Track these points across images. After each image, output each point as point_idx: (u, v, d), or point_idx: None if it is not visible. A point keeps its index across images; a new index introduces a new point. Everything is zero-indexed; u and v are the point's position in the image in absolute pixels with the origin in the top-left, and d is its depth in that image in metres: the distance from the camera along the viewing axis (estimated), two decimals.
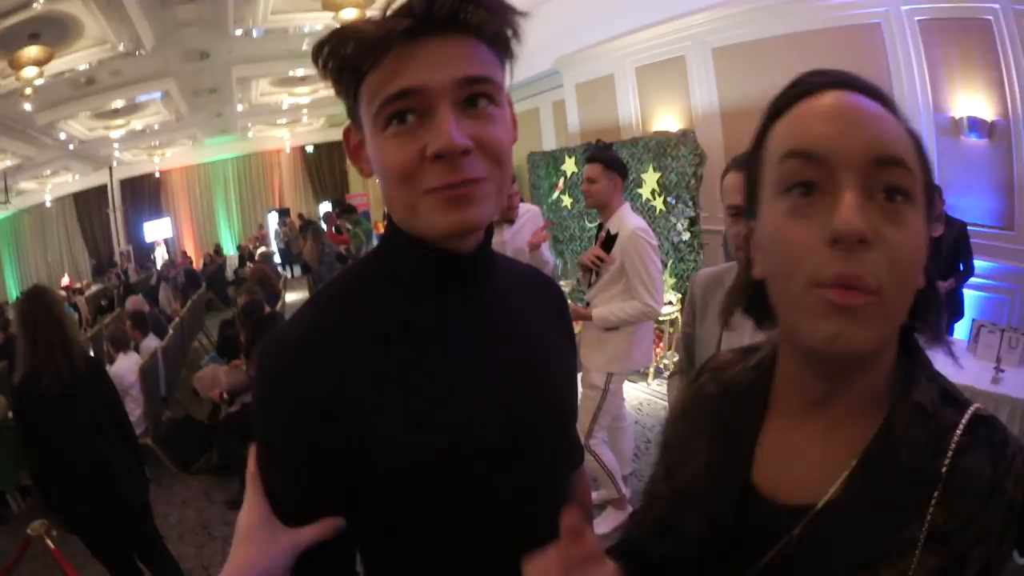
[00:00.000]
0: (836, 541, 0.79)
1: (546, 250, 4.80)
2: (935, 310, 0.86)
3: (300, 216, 22.34)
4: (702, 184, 7.36)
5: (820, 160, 0.76)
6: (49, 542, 3.54)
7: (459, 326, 1.10)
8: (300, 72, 14.88)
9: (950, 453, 0.76)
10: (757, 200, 0.87)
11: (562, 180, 9.45)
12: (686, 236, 7.25)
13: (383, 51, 0.91)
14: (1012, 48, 6.02)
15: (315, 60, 0.98)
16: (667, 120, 9.15)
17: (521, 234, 4.89)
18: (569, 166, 9.24)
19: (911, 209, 0.76)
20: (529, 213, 5.12)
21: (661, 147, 7.54)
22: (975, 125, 6.36)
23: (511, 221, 4.89)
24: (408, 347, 1.05)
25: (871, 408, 0.83)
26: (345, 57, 0.95)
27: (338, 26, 0.96)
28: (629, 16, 9.08)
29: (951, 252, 5.85)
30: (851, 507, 0.80)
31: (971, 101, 6.40)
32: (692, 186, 7.21)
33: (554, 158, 9.73)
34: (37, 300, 3.36)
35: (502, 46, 1.00)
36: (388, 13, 0.92)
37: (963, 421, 0.78)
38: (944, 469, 0.75)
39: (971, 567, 0.73)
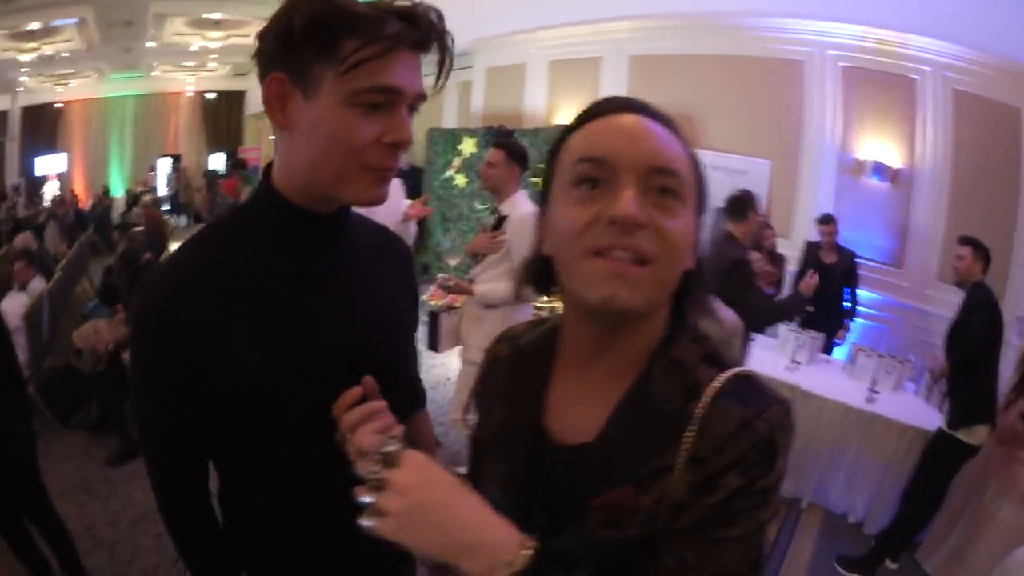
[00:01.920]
0: (604, 469, 0.98)
1: (413, 225, 4.88)
2: (701, 287, 1.06)
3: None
4: None
5: (606, 164, 0.95)
6: None
7: (314, 276, 1.31)
8: (217, 16, 14.51)
9: (707, 398, 0.94)
10: (550, 193, 1.06)
11: (459, 159, 9.50)
12: None
13: (386, 49, 1.13)
14: (933, 107, 6.49)
15: (300, 8, 1.13)
16: (571, 116, 9.22)
17: (389, 205, 4.91)
18: (468, 146, 9.35)
19: (680, 205, 0.96)
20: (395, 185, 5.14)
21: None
22: (880, 169, 6.88)
23: None
24: (265, 289, 1.26)
25: (640, 363, 1.03)
26: (336, 25, 1.12)
27: None
28: (551, 10, 9.14)
29: (841, 277, 6.35)
30: (613, 441, 0.99)
31: (880, 146, 6.88)
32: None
33: (453, 136, 9.79)
34: None
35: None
36: (391, 11, 1.14)
37: (724, 376, 0.96)
38: (699, 411, 0.94)
39: (727, 486, 0.90)
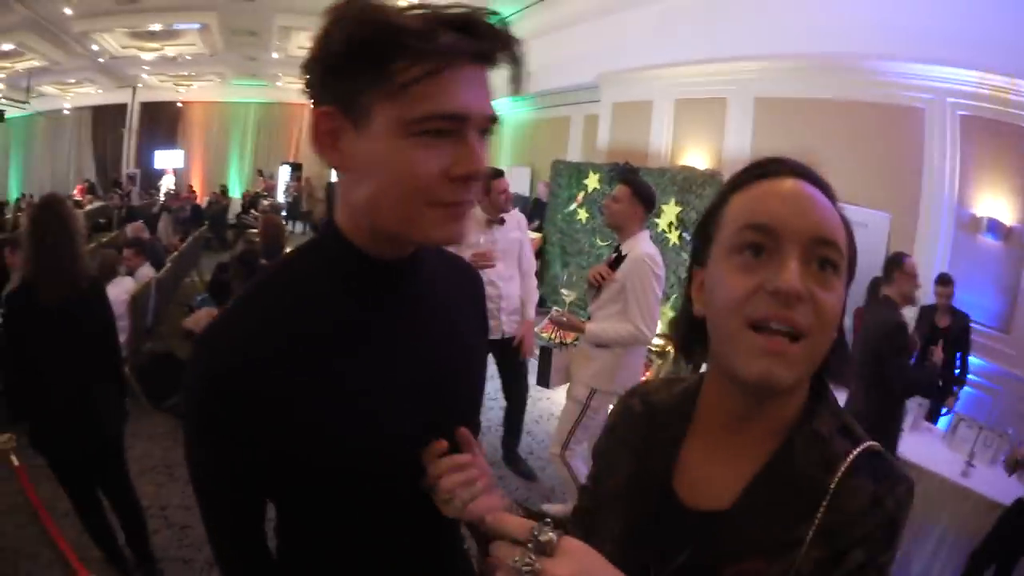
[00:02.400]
0: (737, 539, 0.95)
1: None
2: (842, 356, 1.02)
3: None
4: None
5: (772, 232, 0.92)
6: (14, 458, 3.45)
7: (384, 325, 1.16)
8: None
9: (840, 472, 0.91)
10: (708, 253, 1.02)
11: (582, 194, 9.44)
12: None
13: (442, 67, 0.95)
14: None
15: (336, 32, 0.98)
16: (696, 157, 9.15)
17: (509, 235, 4.97)
18: (592, 181, 9.25)
19: (836, 278, 0.93)
20: (516, 217, 5.16)
21: (687, 182, 7.55)
22: (994, 226, 6.48)
23: (501, 222, 4.91)
24: (334, 346, 1.11)
25: (779, 433, 0.99)
26: (380, 46, 0.96)
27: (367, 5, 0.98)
28: (680, 47, 9.07)
29: (953, 343, 5.99)
30: (750, 511, 0.96)
31: (994, 202, 6.51)
32: None
33: (578, 170, 9.74)
34: (51, 209, 3.26)
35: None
36: (440, 21, 0.96)
37: (857, 450, 0.93)
38: (833, 485, 0.91)
39: (851, 562, 0.87)
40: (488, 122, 1.03)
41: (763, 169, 1.00)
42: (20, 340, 3.21)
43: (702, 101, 9.11)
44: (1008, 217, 6.43)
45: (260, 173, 23.99)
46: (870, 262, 6.84)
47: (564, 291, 4.54)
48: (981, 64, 6.29)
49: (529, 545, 0.81)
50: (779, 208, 0.93)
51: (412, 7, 0.98)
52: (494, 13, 1.02)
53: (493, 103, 1.04)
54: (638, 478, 1.11)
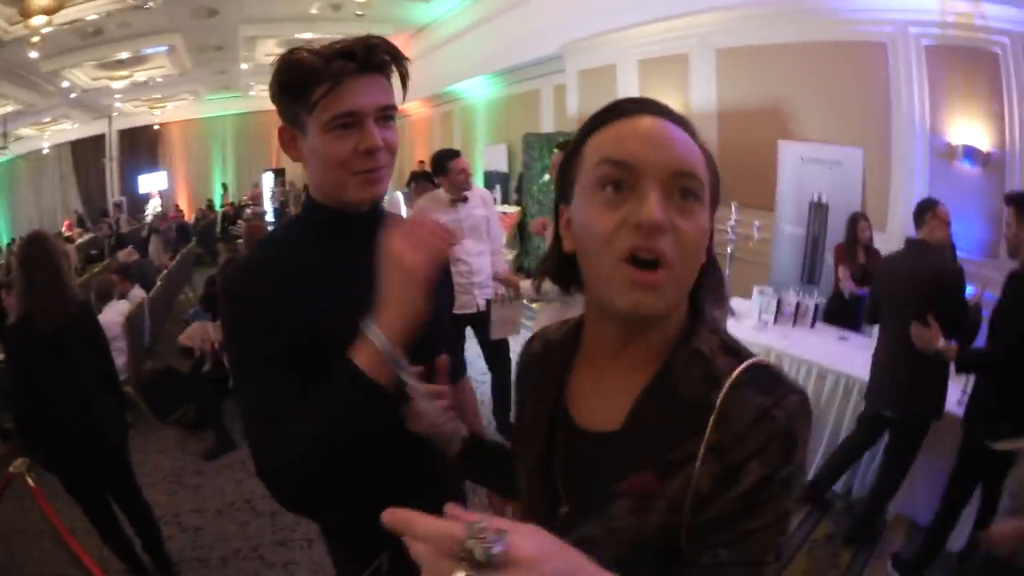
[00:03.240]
0: (629, 456, 1.00)
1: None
2: (715, 278, 1.11)
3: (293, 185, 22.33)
4: None
5: (630, 167, 0.98)
6: (29, 480, 3.61)
7: (352, 264, 1.57)
8: (308, 35, 14.88)
9: (725, 388, 0.95)
10: (571, 191, 1.09)
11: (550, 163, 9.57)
12: None
13: (336, 84, 1.45)
14: (1017, 81, 6.08)
15: (276, 75, 1.51)
16: None
17: (474, 212, 5.14)
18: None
19: (699, 207, 1.00)
20: (479, 194, 5.32)
21: None
22: (970, 153, 6.44)
23: (464, 199, 5.08)
24: (313, 274, 1.56)
25: (662, 355, 1.05)
26: (299, 81, 1.47)
27: (293, 53, 1.51)
28: (637, 8, 9.09)
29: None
30: (638, 429, 1.02)
31: (969, 129, 6.48)
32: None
33: (548, 140, 9.82)
34: (36, 245, 3.46)
35: (394, 80, 1.58)
36: (334, 53, 1.46)
37: (742, 366, 0.97)
38: (719, 401, 0.94)
39: (748, 476, 0.91)
40: (382, 110, 1.52)
41: (619, 109, 1.06)
42: (23, 368, 3.42)
43: (665, 59, 9.12)
44: (984, 143, 6.38)
45: (224, 187, 24.39)
46: (848, 197, 6.90)
47: (506, 252, 4.66)
48: None
49: (471, 557, 0.65)
50: (637, 145, 0.99)
51: (323, 47, 1.47)
52: (376, 37, 1.51)
53: (388, 97, 1.54)
54: (538, 411, 1.19)
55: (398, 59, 1.55)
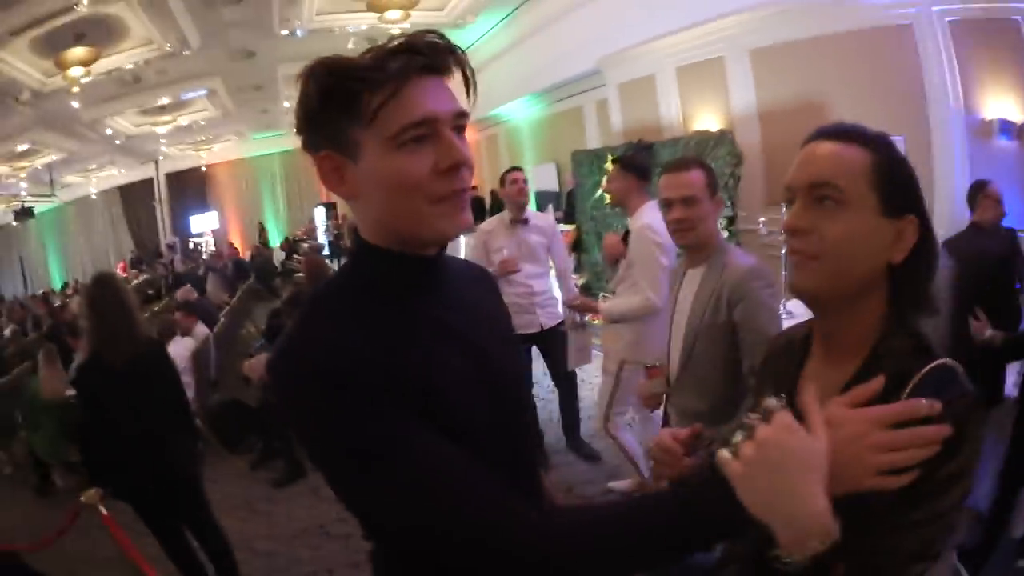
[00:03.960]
0: None
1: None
2: (921, 288, 1.23)
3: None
4: (740, 184, 7.54)
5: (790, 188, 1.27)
6: (102, 508, 3.71)
7: (431, 317, 1.26)
8: None
9: (910, 387, 1.10)
10: None
11: (605, 178, 9.58)
12: (724, 235, 7.27)
13: (400, 85, 1.13)
14: None
15: (308, 88, 1.16)
16: (707, 120, 9.17)
17: (531, 238, 5.12)
18: (612, 166, 9.33)
19: (838, 209, 1.19)
20: (541, 219, 5.36)
21: (700, 147, 7.64)
22: (1005, 127, 6.42)
23: (525, 221, 5.09)
24: (400, 341, 1.18)
25: (863, 352, 1.23)
26: (347, 88, 1.14)
27: (324, 60, 1.17)
28: (667, 17, 9.12)
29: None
30: None
31: (1001, 102, 6.47)
32: (730, 186, 7.33)
33: (597, 157, 9.82)
34: (103, 284, 3.57)
35: (467, 82, 1.25)
36: (388, 52, 1.15)
37: (927, 368, 1.11)
38: (904, 395, 1.09)
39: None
40: (458, 118, 1.19)
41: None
42: (94, 402, 3.54)
43: (701, 64, 9.11)
44: (1018, 115, 6.39)
45: (261, 227, 24.58)
46: None
47: (575, 276, 4.64)
48: None
49: (759, 411, 1.01)
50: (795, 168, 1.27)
51: (368, 50, 1.17)
52: (433, 32, 1.19)
53: (461, 103, 1.21)
54: (778, 388, 1.28)
55: (464, 61, 1.22)
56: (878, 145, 1.21)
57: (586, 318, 4.66)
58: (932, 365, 1.11)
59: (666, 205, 2.73)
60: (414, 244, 1.24)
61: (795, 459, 0.95)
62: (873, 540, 1.04)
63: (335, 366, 1.10)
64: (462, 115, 1.20)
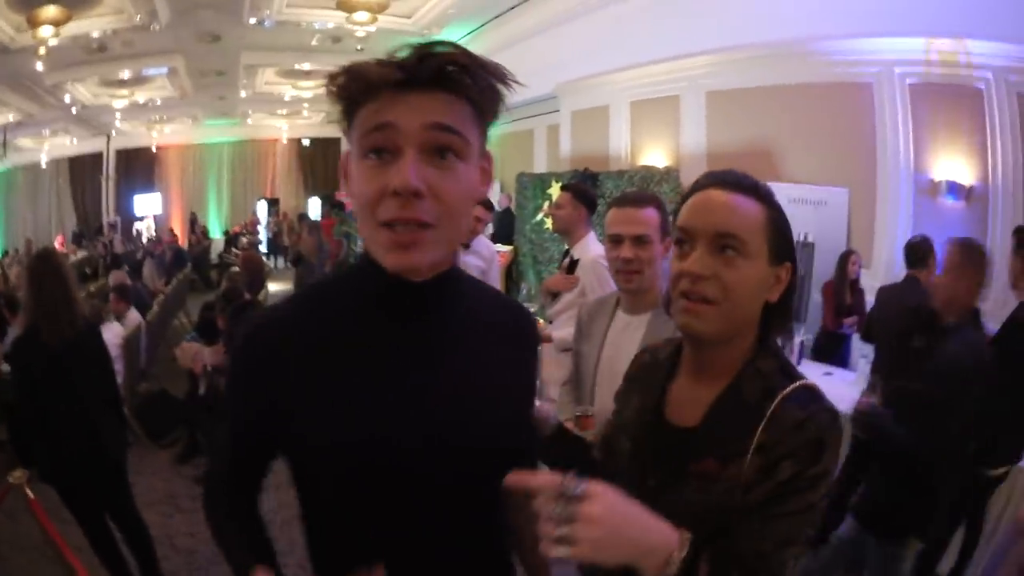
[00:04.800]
0: (699, 447, 1.29)
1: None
2: (783, 317, 1.37)
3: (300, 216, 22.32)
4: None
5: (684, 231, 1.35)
6: (28, 491, 3.69)
7: (404, 345, 1.24)
8: (307, 66, 15.10)
9: (776, 401, 1.23)
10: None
11: (547, 204, 9.67)
12: None
13: (375, 92, 1.09)
14: (1000, 116, 6.29)
15: (328, 86, 1.15)
16: (655, 156, 9.38)
17: (469, 261, 5.06)
18: (555, 191, 9.37)
19: (741, 259, 1.29)
20: (485, 247, 5.37)
21: (645, 181, 7.76)
22: (954, 188, 6.63)
23: (467, 247, 5.06)
24: (353, 350, 1.21)
25: (733, 371, 1.33)
26: (347, 90, 1.13)
27: (349, 64, 1.13)
28: (630, 51, 9.30)
29: None
30: (710, 427, 1.30)
31: (952, 165, 6.66)
32: (670, 222, 7.42)
33: (542, 181, 9.93)
34: (46, 260, 3.58)
35: (484, 107, 1.17)
36: (385, 62, 1.09)
37: (792, 385, 1.25)
38: (770, 411, 1.23)
39: (783, 471, 1.17)
40: (432, 135, 1.09)
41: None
42: (27, 381, 3.51)
43: (656, 101, 9.34)
44: (967, 177, 6.59)
45: (193, 217, 24.18)
46: (833, 236, 7.02)
47: (528, 304, 4.66)
48: (927, 30, 6.46)
49: (563, 497, 1.03)
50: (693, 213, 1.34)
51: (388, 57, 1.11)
52: (446, 44, 1.11)
53: (443, 116, 1.10)
54: (642, 408, 1.46)
55: (474, 73, 1.11)
56: (769, 199, 1.33)
57: None
58: (797, 384, 1.27)
59: (614, 241, 2.51)
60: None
61: (624, 510, 1.07)
62: (745, 528, 1.19)
63: (254, 346, 1.23)
64: (441, 128, 1.09)
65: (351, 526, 1.25)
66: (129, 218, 23.21)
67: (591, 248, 4.20)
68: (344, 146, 1.19)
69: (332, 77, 1.14)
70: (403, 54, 1.09)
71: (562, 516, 1.03)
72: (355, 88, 1.11)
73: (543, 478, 1.07)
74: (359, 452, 1.18)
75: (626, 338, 2.52)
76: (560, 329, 4.27)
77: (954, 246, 3.55)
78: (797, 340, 5.88)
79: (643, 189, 7.55)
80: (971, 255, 3.49)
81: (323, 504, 1.28)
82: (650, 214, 2.54)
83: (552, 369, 4.51)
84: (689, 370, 1.42)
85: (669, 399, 1.43)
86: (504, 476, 1.14)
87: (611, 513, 1.04)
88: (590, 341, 2.70)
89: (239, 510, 1.38)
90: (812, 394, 1.26)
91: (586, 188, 4.41)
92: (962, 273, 3.43)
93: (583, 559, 1.04)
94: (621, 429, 1.53)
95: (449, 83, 1.10)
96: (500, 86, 1.17)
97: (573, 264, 4.25)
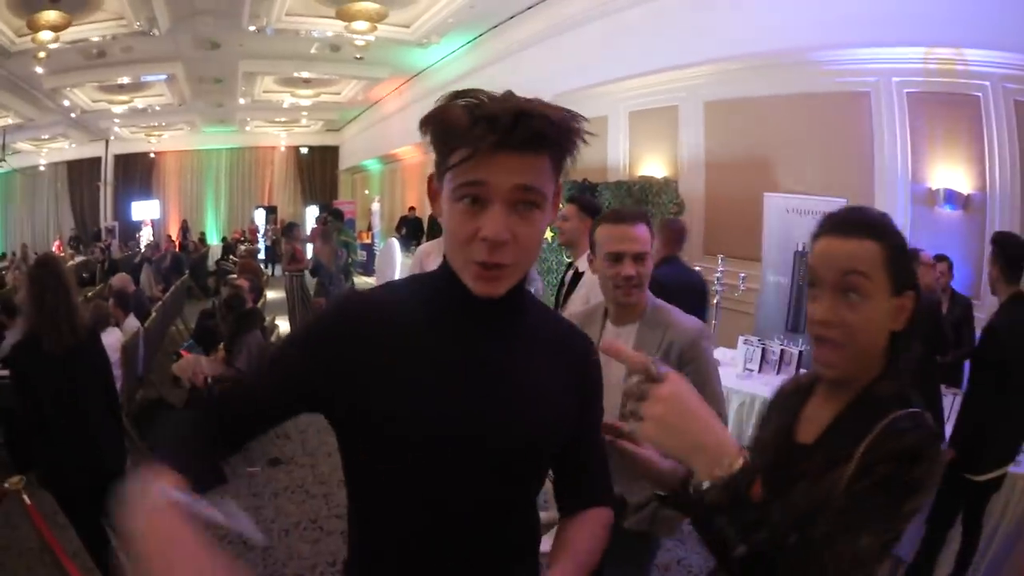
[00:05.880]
0: (813, 457, 1.42)
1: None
2: (910, 346, 1.48)
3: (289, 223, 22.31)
4: None
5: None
6: (25, 497, 3.68)
7: (466, 346, 1.37)
8: (305, 75, 15.10)
9: (885, 421, 1.32)
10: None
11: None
12: None
13: (471, 152, 1.19)
14: (997, 124, 6.26)
15: (424, 124, 1.26)
16: (653, 166, 9.39)
17: None
18: None
19: (862, 301, 1.43)
20: None
21: (644, 192, 7.77)
22: (951, 197, 6.61)
23: None
24: (422, 343, 1.35)
25: (852, 392, 1.46)
26: (440, 136, 1.25)
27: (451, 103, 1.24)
28: (628, 62, 9.29)
29: (956, 326, 5.73)
30: (824, 442, 1.45)
31: (950, 173, 6.65)
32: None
33: None
34: (48, 267, 3.58)
35: (564, 161, 1.31)
36: (481, 116, 1.18)
37: (903, 412, 1.34)
38: (878, 428, 1.32)
39: (878, 472, 1.25)
40: (520, 193, 1.23)
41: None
42: (27, 388, 3.51)
43: (654, 111, 9.37)
44: (965, 186, 6.57)
45: (185, 224, 23.97)
46: None
47: None
48: (925, 39, 6.44)
49: (642, 375, 1.19)
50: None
51: (483, 99, 1.22)
52: (539, 106, 1.22)
53: (531, 178, 1.23)
54: (777, 430, 1.62)
55: (563, 138, 1.25)
56: (887, 232, 1.44)
57: None
58: (908, 411, 1.35)
59: (614, 259, 2.59)
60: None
61: (691, 402, 1.19)
62: (851, 522, 1.26)
63: (343, 315, 1.39)
64: (526, 189, 1.23)
65: (394, 495, 1.35)
66: (127, 223, 23.21)
67: None
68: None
69: (424, 123, 1.26)
70: (494, 108, 1.19)
71: (638, 392, 1.18)
72: (449, 139, 1.23)
73: (635, 353, 1.24)
74: (412, 425, 1.30)
75: None
76: None
77: None
78: (795, 351, 5.90)
79: (642, 200, 7.55)
80: None
81: (370, 474, 1.38)
82: (645, 231, 2.62)
83: None
84: (821, 393, 1.56)
85: (800, 419, 1.58)
86: (535, 475, 1.46)
87: (678, 400, 1.17)
88: None
89: (213, 437, 1.35)
90: (920, 419, 1.34)
91: (593, 201, 4.43)
92: None
93: (647, 438, 1.20)
94: (759, 447, 1.68)
95: (539, 145, 1.23)
96: (579, 142, 1.30)
97: (577, 276, 4.25)
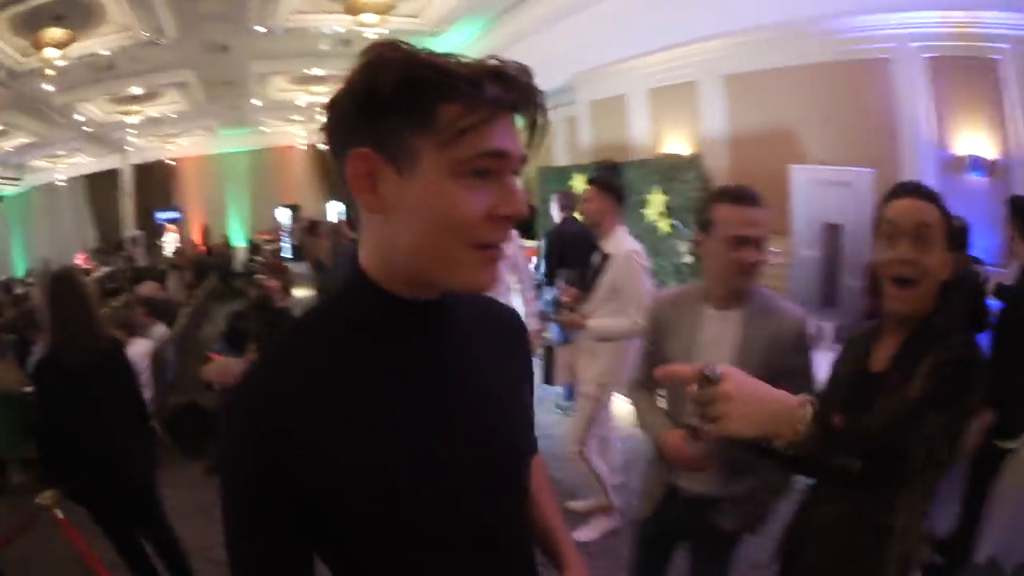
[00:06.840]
0: (893, 378, 1.83)
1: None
2: (959, 292, 2.00)
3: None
4: None
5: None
6: (58, 512, 3.67)
7: (420, 366, 1.16)
8: (318, 71, 15.04)
9: (940, 345, 1.75)
10: None
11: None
12: (689, 259, 7.30)
13: (491, 115, 1.00)
14: (1017, 86, 6.16)
15: (376, 64, 1.01)
16: (676, 143, 9.27)
17: None
18: (578, 183, 9.21)
19: (930, 246, 1.89)
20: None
21: (669, 170, 7.64)
22: (978, 163, 6.49)
23: None
24: (368, 387, 1.10)
25: (911, 327, 1.89)
26: (423, 84, 0.99)
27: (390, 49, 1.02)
28: (645, 38, 9.17)
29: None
30: (892, 370, 1.87)
31: (974, 139, 6.53)
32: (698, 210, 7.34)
33: (563, 174, 9.82)
34: (65, 281, 3.54)
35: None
36: (489, 72, 1.01)
37: (961, 338, 1.78)
38: (936, 349, 1.74)
39: (941, 375, 1.69)
40: (522, 163, 1.07)
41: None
42: (52, 401, 3.50)
43: (674, 87, 9.23)
44: (991, 151, 6.46)
45: (205, 229, 24.25)
46: (860, 217, 6.86)
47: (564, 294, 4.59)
48: (941, 3, 6.36)
49: (703, 382, 1.29)
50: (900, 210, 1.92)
51: (456, 61, 1.02)
52: (523, 68, 1.05)
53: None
54: (853, 364, 2.05)
55: (540, 102, 1.06)
56: (941, 203, 1.87)
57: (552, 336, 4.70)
58: (961, 339, 1.78)
59: (739, 243, 2.42)
60: (424, 285, 1.12)
61: (750, 387, 1.33)
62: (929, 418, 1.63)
63: (244, 421, 1.06)
64: (524, 160, 1.08)
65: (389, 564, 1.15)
66: (151, 231, 23.35)
67: (623, 242, 4.17)
68: None
69: (381, 70, 1.01)
70: (499, 70, 1.03)
71: (704, 398, 1.29)
72: (433, 93, 1.00)
73: (686, 367, 1.35)
74: (411, 498, 1.10)
75: (716, 333, 2.51)
76: (600, 319, 4.24)
77: None
78: (830, 325, 5.78)
79: (667, 177, 7.44)
80: None
81: (359, 555, 1.15)
82: (767, 215, 2.51)
83: (586, 362, 4.45)
84: (887, 330, 1.98)
85: (871, 354, 1.99)
86: (523, 475, 1.34)
87: (742, 388, 1.30)
88: (677, 339, 2.61)
89: None
90: (968, 340, 1.81)
91: (613, 180, 4.36)
92: None
93: (729, 433, 1.29)
94: (834, 384, 2.11)
95: (527, 109, 1.06)
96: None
97: (605, 258, 4.19)
